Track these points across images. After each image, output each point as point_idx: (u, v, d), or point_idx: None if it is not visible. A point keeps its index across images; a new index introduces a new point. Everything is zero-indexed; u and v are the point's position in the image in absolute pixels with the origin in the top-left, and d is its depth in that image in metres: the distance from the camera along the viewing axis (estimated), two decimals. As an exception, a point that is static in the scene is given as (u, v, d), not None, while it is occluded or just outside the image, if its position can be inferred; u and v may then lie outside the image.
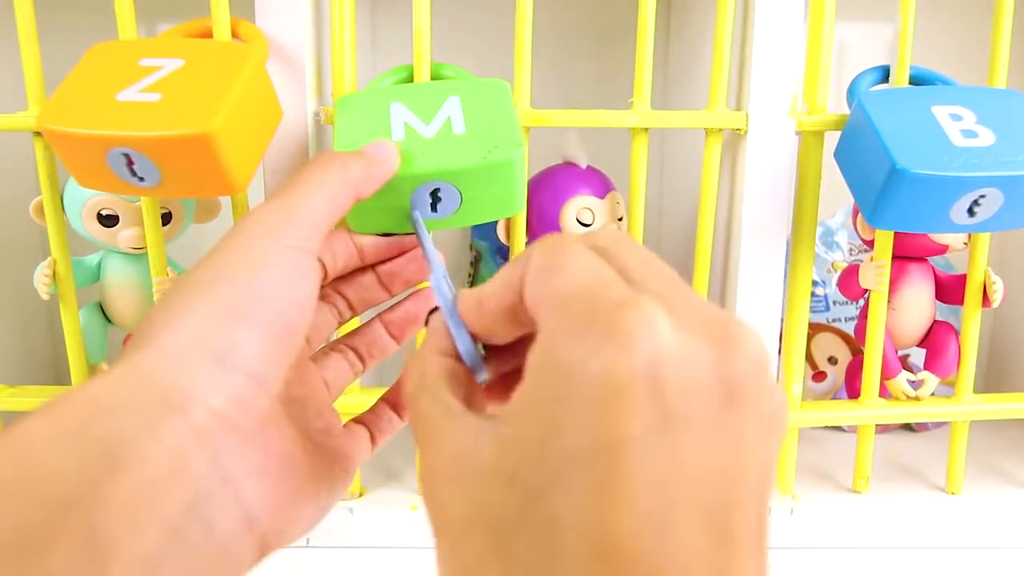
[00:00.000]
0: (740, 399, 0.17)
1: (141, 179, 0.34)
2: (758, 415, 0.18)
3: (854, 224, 0.49)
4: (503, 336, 0.23)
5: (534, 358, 0.18)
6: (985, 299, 0.46)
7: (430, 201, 0.31)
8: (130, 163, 0.34)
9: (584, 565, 0.16)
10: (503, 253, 0.61)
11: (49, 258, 0.45)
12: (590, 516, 0.16)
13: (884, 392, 0.48)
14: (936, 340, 0.49)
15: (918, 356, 0.53)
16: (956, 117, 0.38)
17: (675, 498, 0.16)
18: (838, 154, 0.41)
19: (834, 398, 0.59)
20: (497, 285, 0.22)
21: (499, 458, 0.18)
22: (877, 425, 0.48)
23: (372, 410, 0.31)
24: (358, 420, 0.30)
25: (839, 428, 0.56)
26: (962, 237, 0.47)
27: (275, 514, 0.23)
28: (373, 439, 0.30)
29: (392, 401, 0.31)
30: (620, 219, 0.48)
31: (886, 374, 0.48)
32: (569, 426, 0.17)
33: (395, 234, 0.31)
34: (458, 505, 0.18)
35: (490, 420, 0.19)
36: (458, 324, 0.24)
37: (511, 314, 0.22)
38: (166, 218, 0.45)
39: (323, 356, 0.31)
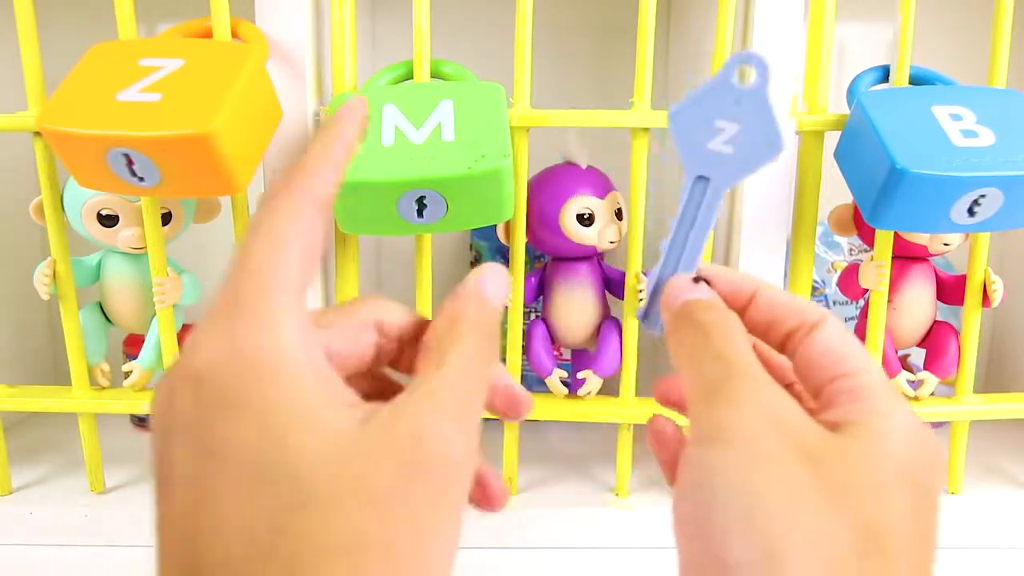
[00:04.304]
0: None
1: (141, 179, 0.34)
2: None
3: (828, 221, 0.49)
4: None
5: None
6: (985, 299, 0.46)
7: (416, 208, 0.31)
8: (130, 163, 0.34)
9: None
10: (503, 253, 0.61)
11: (49, 258, 0.45)
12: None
13: (884, 392, 0.48)
14: (936, 340, 0.49)
15: (918, 356, 0.53)
16: (956, 117, 0.38)
17: None
18: (838, 154, 0.41)
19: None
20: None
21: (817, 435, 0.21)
22: (877, 425, 0.48)
23: None
24: None
25: (839, 428, 0.56)
26: (942, 237, 0.47)
27: None
28: None
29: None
30: (620, 218, 0.48)
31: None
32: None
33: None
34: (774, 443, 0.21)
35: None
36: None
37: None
38: (166, 218, 0.45)
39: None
